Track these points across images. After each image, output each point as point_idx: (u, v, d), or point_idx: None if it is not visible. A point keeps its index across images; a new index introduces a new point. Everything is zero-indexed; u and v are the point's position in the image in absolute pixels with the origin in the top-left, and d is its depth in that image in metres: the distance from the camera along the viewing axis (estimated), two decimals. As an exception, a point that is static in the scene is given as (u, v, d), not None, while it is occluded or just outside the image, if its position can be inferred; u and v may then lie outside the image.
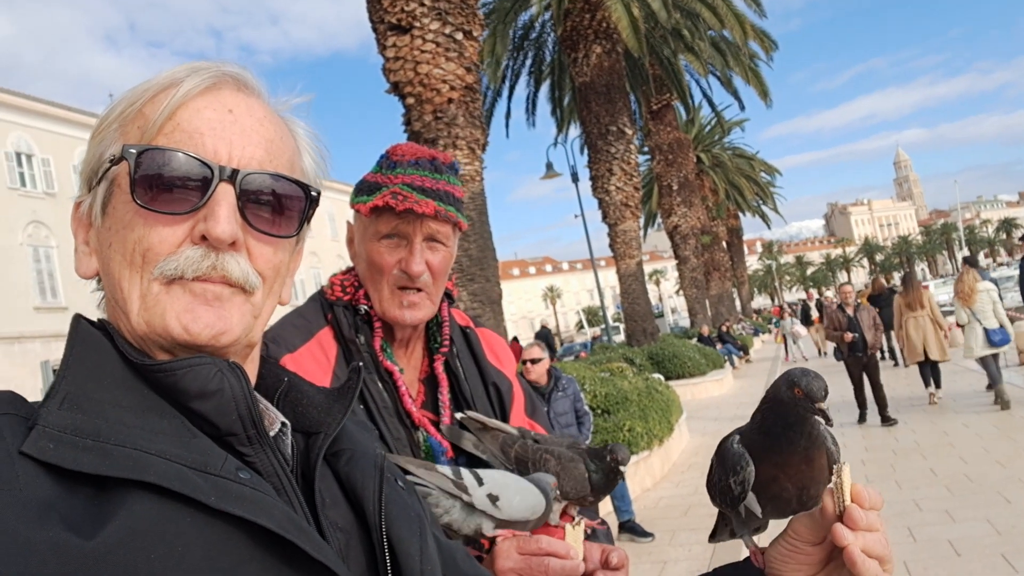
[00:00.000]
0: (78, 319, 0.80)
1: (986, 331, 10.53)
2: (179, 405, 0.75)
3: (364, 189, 1.52)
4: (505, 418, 1.65)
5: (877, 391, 10.95)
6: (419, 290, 1.49)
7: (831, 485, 0.87)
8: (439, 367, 1.60)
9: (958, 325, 11.21)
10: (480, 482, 1.36)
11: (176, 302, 0.76)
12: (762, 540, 1.02)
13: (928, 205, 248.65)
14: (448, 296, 1.65)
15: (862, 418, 11.16)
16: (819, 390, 0.91)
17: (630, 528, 6.66)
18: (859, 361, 11.13)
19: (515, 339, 32.08)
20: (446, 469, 1.38)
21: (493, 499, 1.35)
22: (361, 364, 0.94)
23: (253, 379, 0.87)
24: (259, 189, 0.80)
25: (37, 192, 32.76)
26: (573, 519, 1.44)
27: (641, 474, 8.53)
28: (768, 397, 0.95)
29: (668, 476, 9.21)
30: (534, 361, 6.84)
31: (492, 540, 1.35)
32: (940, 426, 9.98)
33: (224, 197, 0.77)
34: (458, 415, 1.53)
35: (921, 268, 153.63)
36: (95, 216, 0.82)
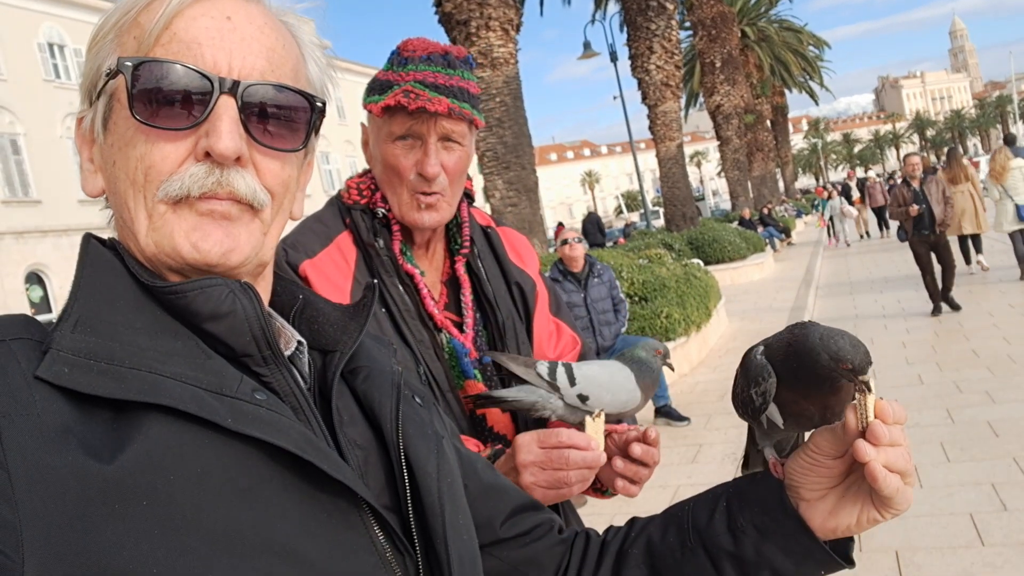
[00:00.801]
0: (88, 239, 0.79)
1: (1017, 207, 10.51)
2: (192, 326, 0.74)
3: (376, 88, 1.47)
4: (529, 316, 1.64)
5: (947, 273, 9.91)
6: (436, 192, 1.46)
7: (854, 401, 0.85)
8: (460, 268, 1.58)
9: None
10: (572, 382, 1.40)
11: (184, 221, 0.74)
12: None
13: (984, 77, 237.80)
14: (467, 196, 1.62)
15: (937, 310, 9.86)
16: (865, 364, 0.85)
17: (666, 413, 6.77)
18: (926, 240, 9.85)
19: (560, 224, 31.95)
20: (543, 367, 1.41)
21: (583, 399, 1.39)
22: (376, 281, 0.93)
23: (266, 298, 0.85)
24: (262, 101, 0.77)
25: (72, 83, 32.77)
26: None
27: (678, 360, 8.61)
28: (798, 350, 0.89)
29: (705, 361, 9.29)
30: (566, 242, 6.78)
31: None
32: (985, 306, 9.86)
33: (226, 111, 0.74)
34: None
35: (973, 143, 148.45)
36: (97, 132, 0.79)
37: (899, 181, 10.36)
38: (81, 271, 0.75)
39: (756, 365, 0.93)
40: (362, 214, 1.51)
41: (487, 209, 11.21)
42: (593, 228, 26.40)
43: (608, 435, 1.39)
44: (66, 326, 0.69)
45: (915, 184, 9.96)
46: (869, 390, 0.84)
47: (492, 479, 1.02)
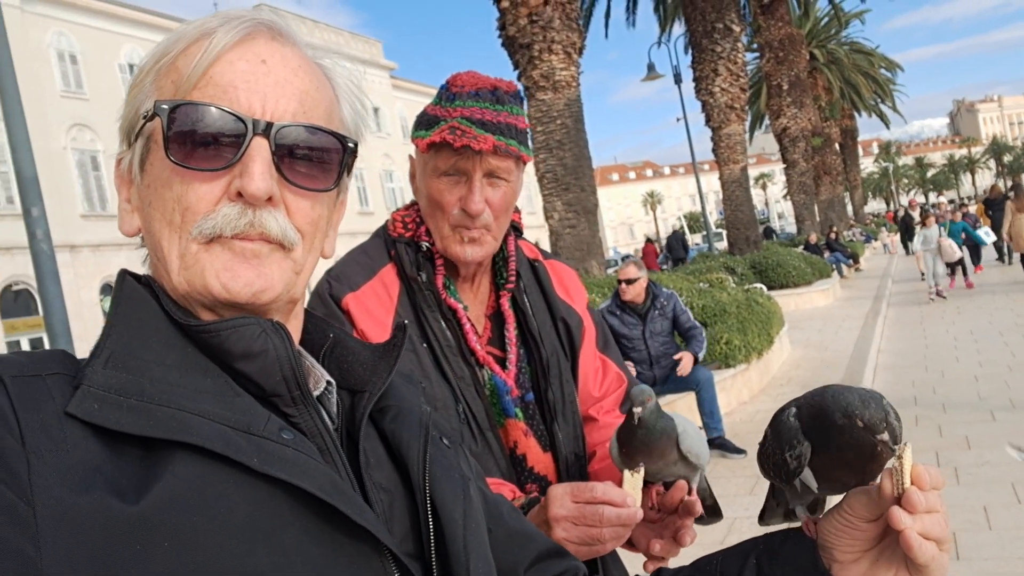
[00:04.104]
0: (123, 275, 0.80)
1: None
2: (223, 365, 0.75)
3: (423, 123, 1.46)
4: (575, 352, 1.61)
5: None
6: (480, 226, 1.44)
7: (891, 465, 0.82)
8: (505, 303, 1.56)
9: None
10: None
11: (215, 260, 0.75)
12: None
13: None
14: (515, 229, 1.60)
15: None
16: (880, 422, 0.82)
17: (720, 445, 6.59)
18: None
19: (648, 240, 31.80)
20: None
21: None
22: (406, 322, 0.92)
23: (297, 336, 0.86)
24: (294, 142, 0.78)
25: (151, 103, 33.95)
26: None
27: (738, 387, 8.45)
28: (816, 412, 0.87)
29: (766, 389, 9.08)
30: (629, 281, 6.57)
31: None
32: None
33: (258, 152, 0.75)
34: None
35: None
36: (135, 173, 0.81)
37: None
38: (116, 307, 0.77)
39: (789, 428, 0.91)
40: (406, 247, 1.51)
41: (546, 230, 11.24)
42: (677, 244, 28.15)
43: (648, 488, 1.34)
44: (98, 362, 0.71)
45: None
46: (893, 451, 0.82)
47: (517, 524, 1.00)
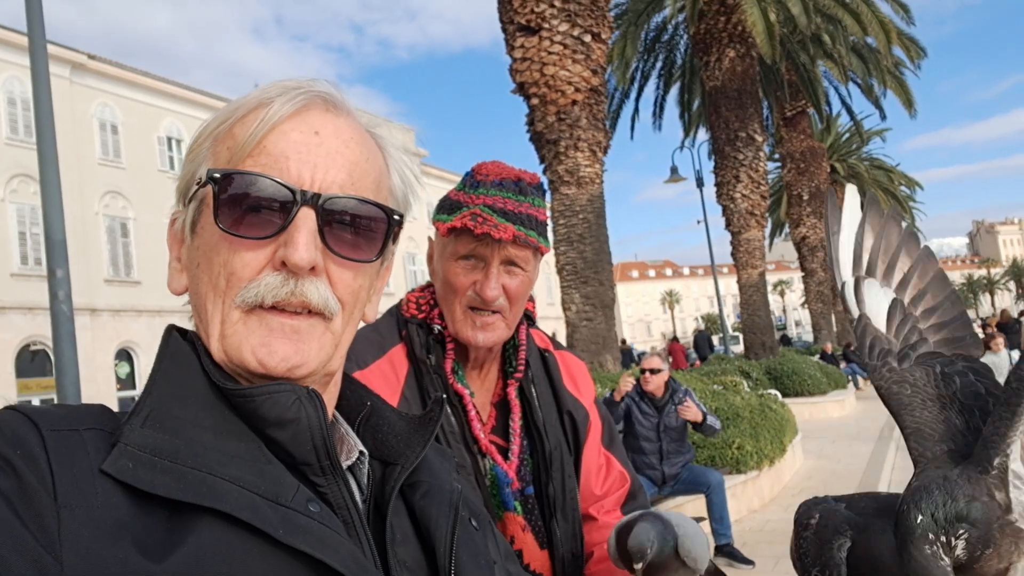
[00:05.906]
0: (170, 331, 0.82)
1: None
2: (257, 430, 0.75)
3: (445, 207, 1.48)
4: (579, 448, 1.59)
5: None
6: (494, 312, 1.45)
7: None
8: (512, 392, 1.54)
9: None
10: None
11: (252, 335, 0.76)
12: None
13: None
14: (528, 318, 1.60)
15: None
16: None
17: (728, 553, 6.39)
18: None
19: (675, 338, 31.85)
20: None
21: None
22: (444, 396, 0.92)
23: (332, 406, 0.86)
24: (341, 213, 0.79)
25: (185, 176, 34.90)
26: None
27: (748, 494, 8.26)
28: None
29: (777, 499, 8.86)
30: (653, 371, 6.56)
31: None
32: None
33: (304, 222, 0.76)
34: None
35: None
36: (186, 234, 0.83)
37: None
38: (159, 364, 0.78)
39: None
40: (418, 328, 1.51)
41: (563, 322, 11.28)
42: (704, 344, 29.41)
43: None
44: (136, 420, 0.72)
45: None
46: None
47: None
